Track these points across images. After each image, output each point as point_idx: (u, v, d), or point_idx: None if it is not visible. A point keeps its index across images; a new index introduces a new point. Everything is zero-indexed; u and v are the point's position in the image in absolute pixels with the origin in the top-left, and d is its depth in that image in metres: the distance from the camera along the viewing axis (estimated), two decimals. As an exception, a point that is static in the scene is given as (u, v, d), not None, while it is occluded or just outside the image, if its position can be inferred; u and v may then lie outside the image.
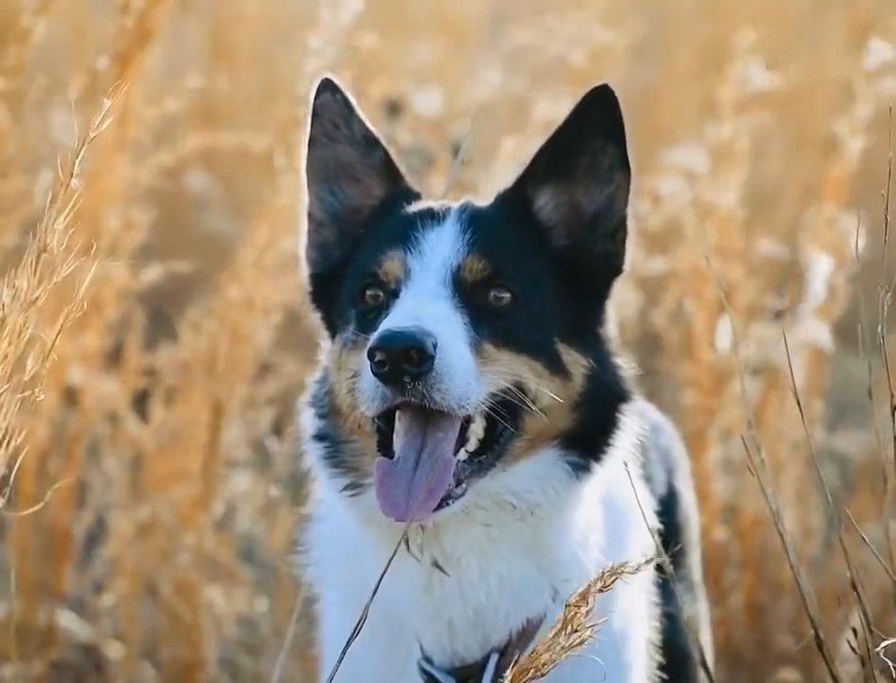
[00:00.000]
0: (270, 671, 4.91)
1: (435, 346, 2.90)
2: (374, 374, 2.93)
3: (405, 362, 2.89)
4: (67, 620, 4.92)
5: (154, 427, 4.94)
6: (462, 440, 3.02)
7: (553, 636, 2.74)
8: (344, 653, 2.85)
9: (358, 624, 2.85)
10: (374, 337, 2.92)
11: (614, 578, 2.75)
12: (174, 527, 4.82)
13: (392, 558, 2.87)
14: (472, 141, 5.02)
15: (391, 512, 2.95)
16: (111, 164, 4.75)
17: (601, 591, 2.75)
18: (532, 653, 2.75)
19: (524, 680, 2.75)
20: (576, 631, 2.74)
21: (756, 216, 6.06)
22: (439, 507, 2.97)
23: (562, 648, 2.74)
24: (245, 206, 5.58)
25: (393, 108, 5.37)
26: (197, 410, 4.86)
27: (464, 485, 3.01)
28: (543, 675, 2.73)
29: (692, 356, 5.15)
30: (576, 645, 2.74)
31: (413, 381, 2.91)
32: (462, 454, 3.02)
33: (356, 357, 3.05)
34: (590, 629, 2.73)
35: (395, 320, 2.96)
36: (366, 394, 2.97)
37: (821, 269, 4.84)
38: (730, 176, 5.02)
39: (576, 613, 2.74)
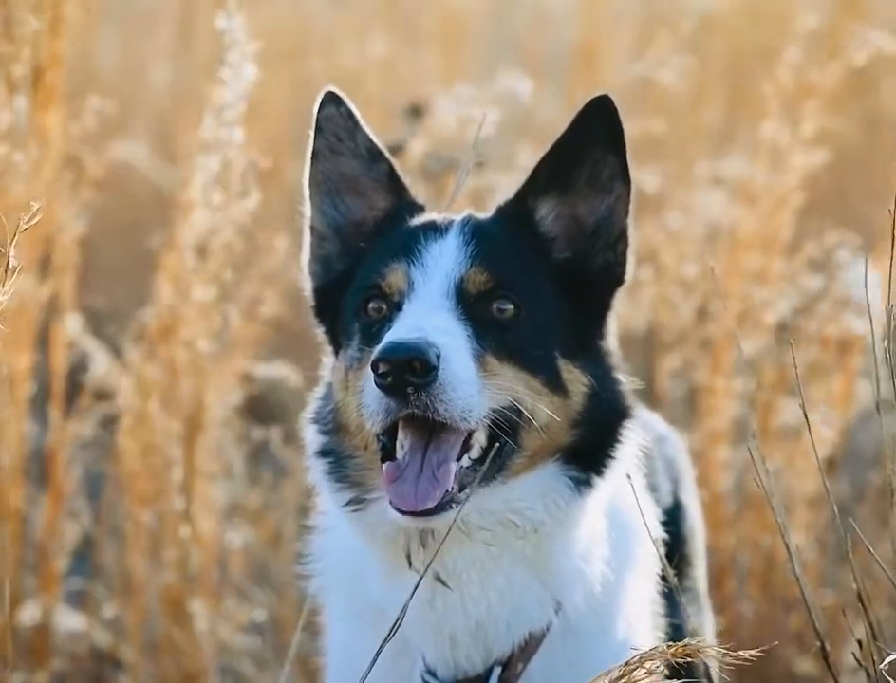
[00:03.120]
0: (274, 681, 4.92)
1: (438, 357, 2.90)
2: (378, 385, 2.92)
3: (409, 373, 2.89)
4: (69, 627, 4.94)
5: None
6: (465, 448, 3.02)
7: None
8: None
9: (377, 653, 2.85)
10: (377, 349, 2.92)
11: None
12: (159, 541, 4.83)
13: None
14: (486, 146, 5.00)
15: (399, 503, 2.95)
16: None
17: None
18: None
19: None
20: None
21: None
22: (443, 508, 2.97)
23: None
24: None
25: (415, 111, 5.36)
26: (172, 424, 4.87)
27: (467, 490, 3.00)
28: None
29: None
30: None
31: (416, 392, 2.91)
32: (466, 461, 3.02)
33: (363, 373, 3.05)
34: None
35: (398, 331, 2.96)
36: (371, 407, 2.97)
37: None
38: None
39: None
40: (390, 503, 2.98)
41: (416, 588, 2.92)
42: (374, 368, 2.91)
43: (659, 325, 5.50)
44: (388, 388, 2.91)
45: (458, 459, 3.01)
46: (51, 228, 4.75)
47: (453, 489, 2.98)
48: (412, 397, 2.91)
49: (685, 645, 2.69)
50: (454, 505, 2.98)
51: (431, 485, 2.96)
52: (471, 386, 2.95)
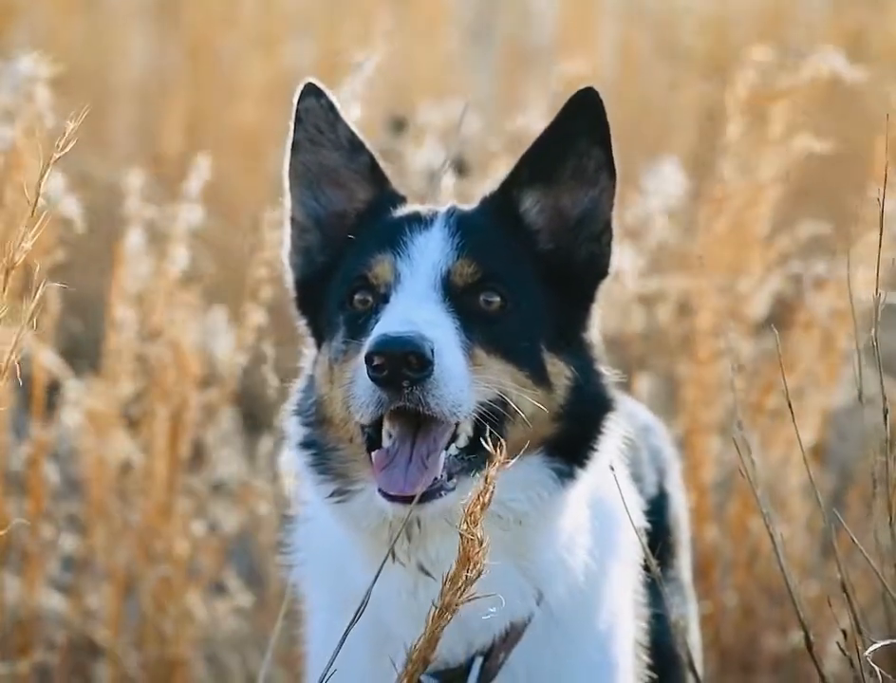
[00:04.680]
0: (256, 669, 4.92)
1: (433, 352, 2.90)
2: (371, 378, 2.91)
3: (405, 368, 2.88)
4: (53, 609, 4.95)
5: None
6: (453, 437, 3.02)
7: (456, 573, 2.78)
8: (332, 662, 2.87)
9: (346, 633, 2.86)
10: (371, 341, 2.91)
11: (490, 491, 2.76)
12: (148, 533, 4.83)
13: (381, 567, 2.89)
14: (467, 147, 4.99)
15: (389, 487, 2.95)
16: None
17: (484, 508, 2.76)
18: (442, 595, 2.80)
19: (441, 624, 2.80)
20: (475, 564, 2.76)
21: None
22: (432, 496, 2.97)
23: (466, 582, 2.77)
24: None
25: (398, 125, 5.36)
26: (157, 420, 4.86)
27: (455, 480, 3.01)
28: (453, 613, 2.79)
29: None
30: (475, 579, 2.77)
31: (411, 386, 2.90)
32: (453, 449, 3.02)
33: (349, 366, 3.05)
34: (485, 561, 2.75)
35: (390, 324, 2.95)
36: (361, 399, 2.96)
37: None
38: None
39: (471, 542, 2.75)
40: (379, 490, 2.97)
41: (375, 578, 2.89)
42: (368, 360, 2.90)
43: (629, 337, 5.48)
44: (383, 381, 2.90)
45: (446, 448, 3.01)
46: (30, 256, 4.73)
47: (442, 476, 2.98)
48: (406, 391, 2.90)
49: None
50: (443, 493, 2.98)
51: (420, 471, 2.96)
52: (462, 380, 2.95)
